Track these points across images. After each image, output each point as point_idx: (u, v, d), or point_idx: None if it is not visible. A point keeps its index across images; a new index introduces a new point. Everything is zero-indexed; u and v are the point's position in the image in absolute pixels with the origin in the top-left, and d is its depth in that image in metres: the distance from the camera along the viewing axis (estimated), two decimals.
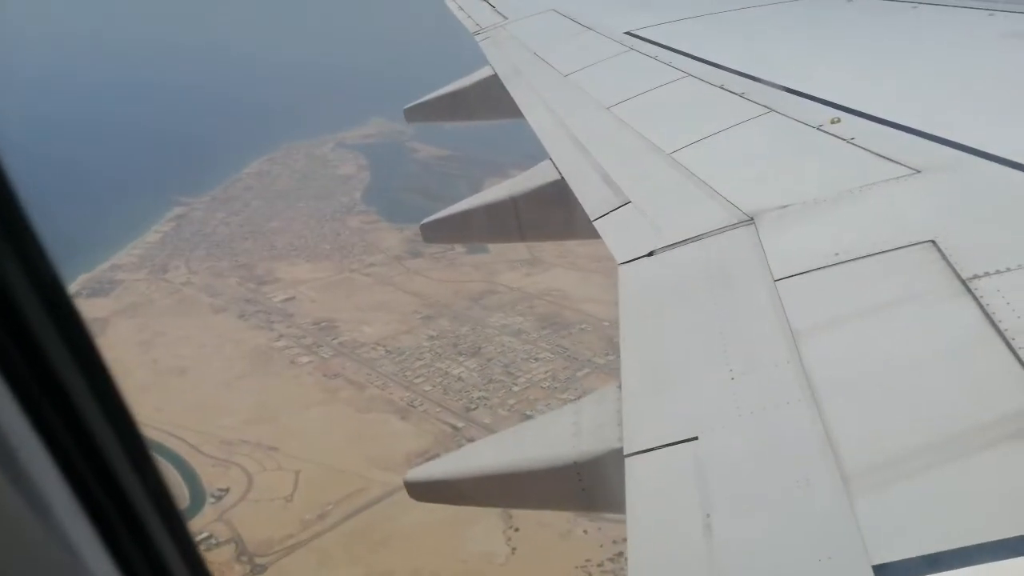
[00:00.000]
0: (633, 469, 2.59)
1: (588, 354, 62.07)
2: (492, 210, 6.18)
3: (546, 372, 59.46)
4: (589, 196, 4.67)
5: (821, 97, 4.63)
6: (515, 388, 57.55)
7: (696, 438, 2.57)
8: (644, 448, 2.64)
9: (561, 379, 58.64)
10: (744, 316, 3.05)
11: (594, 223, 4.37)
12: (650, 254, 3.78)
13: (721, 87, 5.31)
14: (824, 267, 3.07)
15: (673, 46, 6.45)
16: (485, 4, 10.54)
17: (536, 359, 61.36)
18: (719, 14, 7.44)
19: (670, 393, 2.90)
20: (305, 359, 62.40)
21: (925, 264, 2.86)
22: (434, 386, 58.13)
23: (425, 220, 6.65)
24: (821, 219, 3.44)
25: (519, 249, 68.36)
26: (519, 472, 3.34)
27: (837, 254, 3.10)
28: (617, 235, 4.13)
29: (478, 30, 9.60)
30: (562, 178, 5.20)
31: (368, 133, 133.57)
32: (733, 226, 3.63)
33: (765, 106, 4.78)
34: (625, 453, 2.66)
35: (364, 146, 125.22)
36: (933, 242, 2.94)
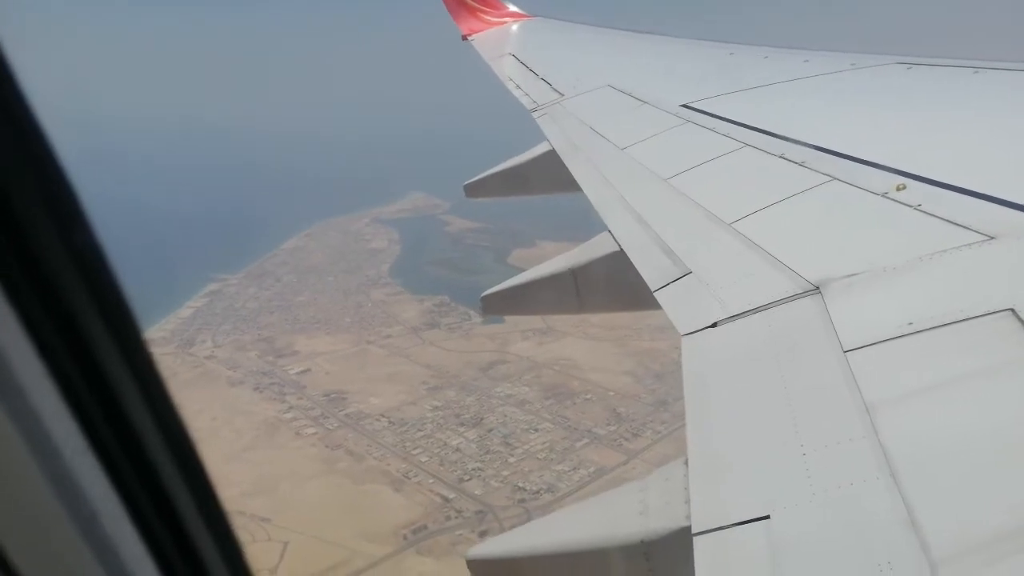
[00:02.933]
0: (702, 548, 2.49)
1: (589, 424, 62.11)
2: (551, 283, 6.20)
3: (544, 443, 59.80)
4: (649, 267, 4.65)
5: (884, 164, 4.56)
6: (511, 459, 57.94)
7: (768, 517, 2.47)
8: (714, 527, 2.54)
9: (558, 450, 58.81)
10: (814, 389, 2.96)
11: (655, 294, 4.34)
12: (714, 325, 3.72)
13: (781, 156, 5.29)
14: (897, 337, 2.97)
15: (730, 117, 6.48)
16: (542, 82, 10.84)
17: (536, 430, 61.89)
18: (775, 85, 7.48)
19: (739, 469, 2.80)
20: (311, 430, 63.92)
21: (1005, 334, 2.74)
22: (431, 457, 58.87)
23: (485, 293, 6.71)
24: (891, 288, 3.34)
25: (534, 318, 70.09)
26: (584, 551, 3.25)
27: (910, 324, 3.00)
28: (679, 306, 4.08)
29: (535, 107, 9.84)
30: (621, 250, 5.21)
31: (404, 208, 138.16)
32: (799, 296, 3.56)
33: (827, 174, 4.73)
34: (694, 532, 2.57)
35: (398, 221, 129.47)
36: (1012, 311, 2.82)
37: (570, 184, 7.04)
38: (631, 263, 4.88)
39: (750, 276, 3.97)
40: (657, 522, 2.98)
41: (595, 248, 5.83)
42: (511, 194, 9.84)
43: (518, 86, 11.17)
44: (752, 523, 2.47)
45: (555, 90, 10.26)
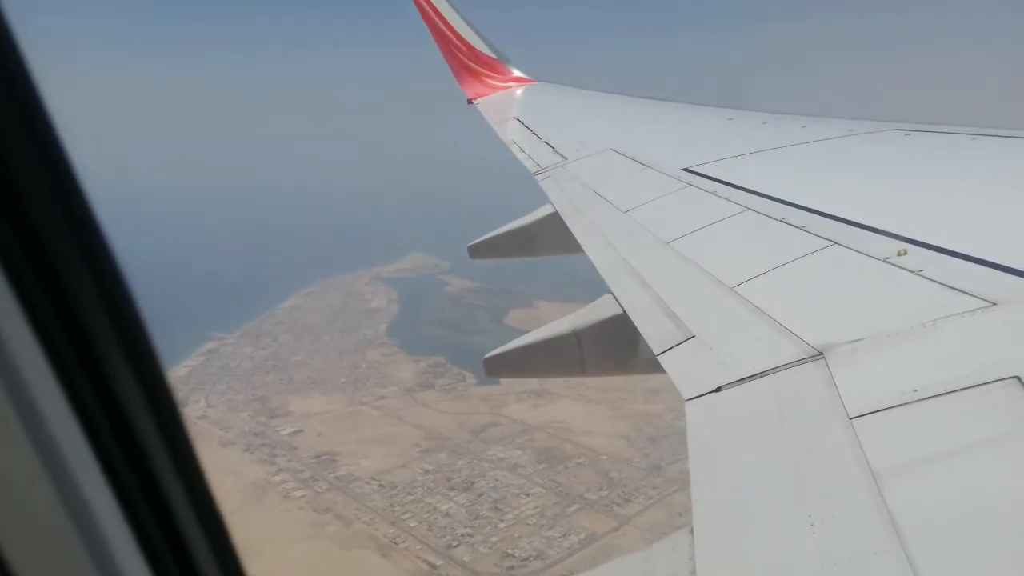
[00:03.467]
0: None
1: (581, 489, 61.39)
2: (554, 345, 6.19)
3: (535, 508, 59.16)
4: (652, 330, 4.65)
5: (885, 229, 4.60)
6: (501, 525, 57.16)
7: None
8: None
9: (549, 516, 58.04)
10: (820, 456, 2.92)
11: (658, 357, 4.33)
12: (717, 390, 3.70)
13: (782, 220, 5.34)
14: (903, 404, 2.95)
15: (731, 181, 6.57)
16: (545, 146, 11.02)
17: (527, 494, 61.20)
18: (776, 150, 7.59)
19: (746, 540, 2.75)
20: (299, 493, 63.19)
21: (1012, 402, 2.73)
22: (420, 522, 58.08)
23: (487, 355, 6.69)
24: (896, 354, 3.33)
25: (529, 380, 69.67)
26: None
27: (916, 390, 2.98)
28: (682, 370, 4.07)
29: (538, 170, 9.98)
30: (624, 312, 5.21)
31: (404, 267, 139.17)
32: (803, 361, 3.55)
33: (828, 239, 4.77)
34: None
35: (398, 280, 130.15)
36: (1018, 378, 2.81)
37: (573, 246, 7.09)
38: (634, 326, 4.88)
39: (753, 340, 3.96)
40: None
41: (598, 311, 5.84)
42: (514, 255, 9.91)
43: (522, 149, 11.36)
44: None
45: (558, 153, 10.43)
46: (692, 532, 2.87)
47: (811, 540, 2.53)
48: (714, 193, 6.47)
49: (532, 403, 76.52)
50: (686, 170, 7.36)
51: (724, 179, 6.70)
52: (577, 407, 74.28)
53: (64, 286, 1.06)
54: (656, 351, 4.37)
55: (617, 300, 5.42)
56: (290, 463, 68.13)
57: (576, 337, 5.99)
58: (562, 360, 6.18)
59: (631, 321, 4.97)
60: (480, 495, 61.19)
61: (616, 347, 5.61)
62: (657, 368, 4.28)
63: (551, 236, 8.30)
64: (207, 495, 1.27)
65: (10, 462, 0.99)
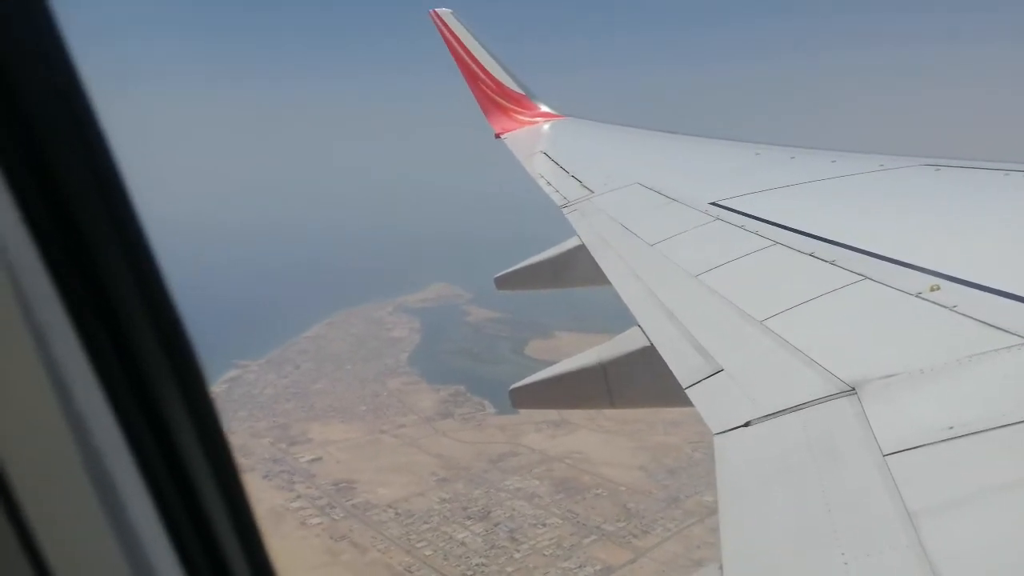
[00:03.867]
0: None
1: (598, 520, 60.69)
2: (581, 376, 6.17)
3: (551, 539, 58.50)
4: (680, 364, 4.61)
5: (917, 264, 4.55)
6: (516, 555, 56.54)
7: None
8: None
9: (565, 547, 57.42)
10: (854, 494, 2.87)
11: (686, 391, 4.29)
12: (747, 424, 3.65)
13: (811, 255, 5.31)
14: (938, 442, 2.90)
15: (759, 215, 6.55)
16: (572, 179, 11.09)
17: (544, 524, 60.58)
18: (803, 184, 7.57)
19: None
20: (316, 520, 63.04)
21: None
22: (436, 551, 57.55)
23: (514, 386, 6.68)
24: (930, 390, 3.28)
25: (549, 410, 68.76)
26: None
27: (951, 428, 2.93)
28: (711, 404, 4.03)
29: (565, 203, 10.03)
30: (652, 345, 5.19)
31: (427, 297, 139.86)
32: (834, 396, 3.50)
33: (858, 273, 4.73)
34: None
35: (421, 310, 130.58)
36: None
37: (599, 278, 7.10)
38: (662, 359, 4.85)
39: (783, 375, 3.92)
40: None
41: (625, 343, 5.82)
42: (540, 287, 9.95)
43: (549, 183, 11.44)
44: None
45: (585, 187, 10.48)
46: (721, 568, 2.83)
47: None
48: (742, 227, 6.45)
49: (550, 433, 76.15)
50: (714, 204, 7.36)
51: (752, 213, 6.68)
52: (596, 438, 73.76)
53: (107, 290, 1.09)
54: (684, 384, 4.33)
55: (645, 333, 5.39)
56: (308, 490, 68.20)
57: (603, 369, 5.97)
58: (588, 392, 6.15)
59: (659, 354, 4.94)
60: (496, 525, 60.76)
61: (644, 380, 5.58)
62: (685, 401, 4.25)
63: (578, 268, 8.33)
64: (241, 494, 1.29)
65: (53, 459, 1.02)
